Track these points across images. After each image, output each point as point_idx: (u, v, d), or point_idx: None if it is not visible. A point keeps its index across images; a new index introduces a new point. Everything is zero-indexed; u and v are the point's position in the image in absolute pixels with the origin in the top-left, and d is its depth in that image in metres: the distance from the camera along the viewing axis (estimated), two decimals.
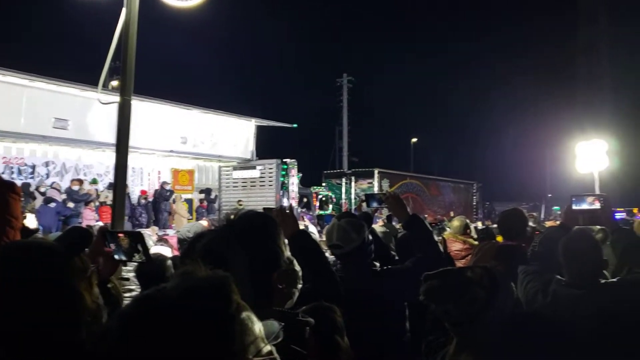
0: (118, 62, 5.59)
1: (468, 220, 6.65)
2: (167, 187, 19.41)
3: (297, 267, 1.74)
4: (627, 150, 30.00)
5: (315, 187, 26.26)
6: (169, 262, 3.58)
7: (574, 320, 2.78)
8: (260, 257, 1.63)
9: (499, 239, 5.61)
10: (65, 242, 1.58)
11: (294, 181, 20.63)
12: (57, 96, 16.29)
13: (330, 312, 1.93)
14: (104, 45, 5.53)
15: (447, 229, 7.02)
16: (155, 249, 4.94)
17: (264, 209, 3.45)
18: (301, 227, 3.10)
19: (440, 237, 5.99)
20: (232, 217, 2.10)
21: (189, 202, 20.91)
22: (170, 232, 15.97)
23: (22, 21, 59.20)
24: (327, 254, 3.19)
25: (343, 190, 27.53)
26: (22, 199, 6.48)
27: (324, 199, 25.96)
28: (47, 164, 17.42)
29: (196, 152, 21.10)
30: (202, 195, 21.25)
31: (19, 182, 9.33)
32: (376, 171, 27.68)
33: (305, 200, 23.54)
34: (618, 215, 19.70)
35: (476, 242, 5.98)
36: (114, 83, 21.75)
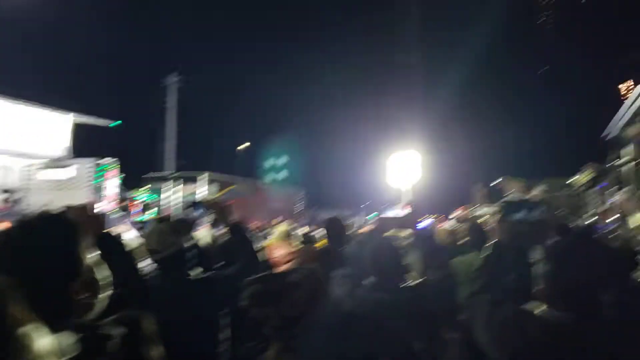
0: None
1: (293, 226, 6.86)
2: None
3: (102, 274, 1.57)
4: (438, 161, 33.96)
5: (136, 190, 24.86)
6: None
7: (385, 321, 2.99)
8: (55, 263, 1.43)
9: (322, 243, 5.83)
10: None
11: (113, 183, 19.27)
12: None
13: (139, 320, 1.78)
14: None
15: (272, 235, 7.16)
16: None
17: (65, 208, 3.12)
18: (123, 231, 2.88)
19: (265, 243, 6.07)
20: (28, 219, 1.83)
21: None
22: None
23: None
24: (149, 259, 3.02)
25: (166, 194, 26.49)
26: None
27: (146, 203, 24.70)
28: None
29: None
30: (5, 196, 18.77)
31: None
32: (203, 175, 27.16)
33: (125, 203, 22.16)
34: (428, 221, 21.94)
35: (299, 248, 6.20)
36: None
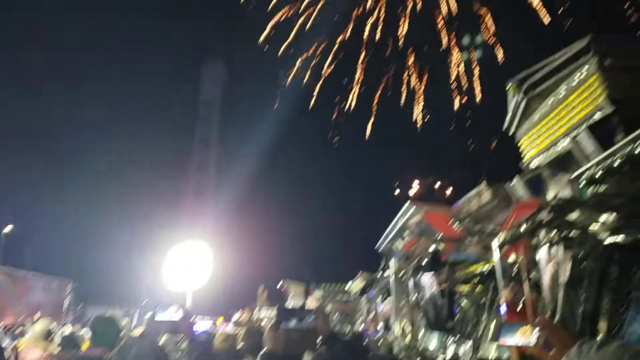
0: None
1: (53, 324, 5.94)
2: None
3: None
4: (222, 261, 33.54)
5: None
6: None
7: None
8: None
9: (86, 345, 5.13)
10: None
11: None
12: None
13: None
14: None
15: (28, 333, 6.15)
16: None
17: None
18: None
19: (16, 343, 5.11)
20: None
21: None
22: None
23: None
24: None
25: None
26: None
27: None
28: None
29: None
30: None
31: None
32: None
33: None
34: (206, 324, 20.95)
35: (58, 350, 5.39)
36: None
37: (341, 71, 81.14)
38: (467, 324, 19.40)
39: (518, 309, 12.20)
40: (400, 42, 74.91)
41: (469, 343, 17.52)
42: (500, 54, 67.81)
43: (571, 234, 12.38)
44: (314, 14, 75.25)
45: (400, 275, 18.59)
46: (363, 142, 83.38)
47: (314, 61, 79.50)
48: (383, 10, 74.17)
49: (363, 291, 27.86)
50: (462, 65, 71.50)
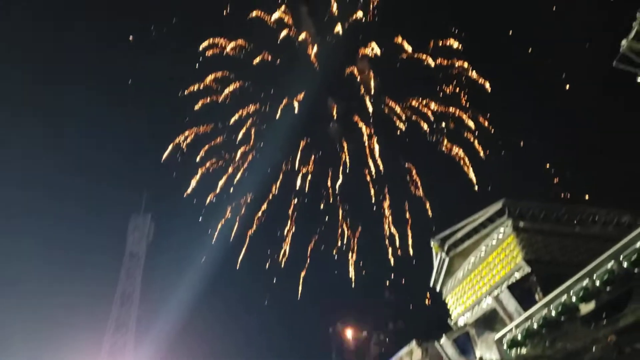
0: None
1: None
2: None
3: None
4: None
5: None
6: None
7: None
8: None
9: None
10: None
11: None
12: None
13: None
14: None
15: None
16: None
17: None
18: None
19: None
20: None
21: None
22: None
23: None
24: None
25: None
26: None
27: None
28: None
29: None
30: None
31: None
32: None
33: None
34: None
35: None
36: None
37: (272, 224, 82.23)
38: None
39: None
40: (331, 199, 78.04)
41: None
42: (428, 208, 72.00)
43: None
44: (244, 166, 78.26)
45: None
46: (295, 296, 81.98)
47: (241, 211, 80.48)
48: (312, 166, 78.08)
49: None
50: (390, 219, 74.81)
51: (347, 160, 76.43)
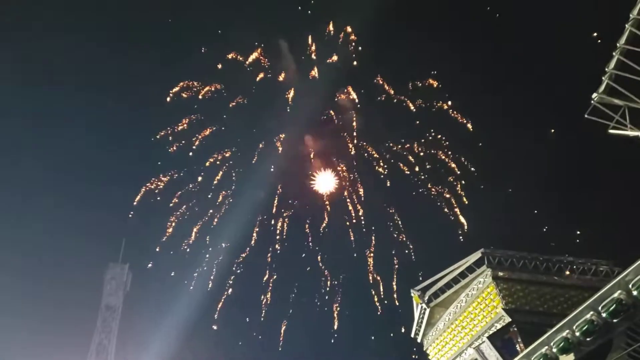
0: None
1: None
2: None
3: None
4: None
5: None
6: None
7: None
8: None
9: None
10: None
11: None
12: None
13: None
14: None
15: None
16: None
17: None
18: None
19: None
20: None
21: None
22: None
23: None
24: None
25: None
26: None
27: None
28: None
29: None
30: None
31: None
32: None
33: None
34: None
35: None
36: None
37: (251, 272, 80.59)
38: None
39: None
40: (311, 244, 76.99)
41: None
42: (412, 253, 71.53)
43: None
44: (220, 212, 76.99)
45: None
46: (276, 346, 79.73)
47: (219, 258, 78.80)
48: (291, 211, 77.10)
49: None
50: (372, 266, 73.90)
51: (327, 205, 75.74)
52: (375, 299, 72.85)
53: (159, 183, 79.43)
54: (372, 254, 75.01)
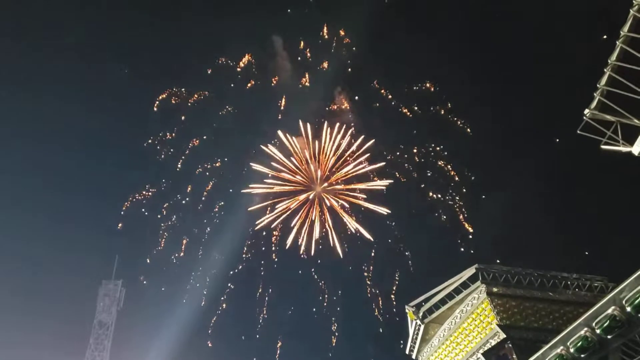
0: None
1: None
2: None
3: None
4: None
5: None
6: None
7: None
8: None
9: None
10: None
11: None
12: None
13: None
14: None
15: None
16: None
17: None
18: None
19: None
20: None
21: None
22: None
23: None
24: None
25: None
26: None
27: None
28: None
29: None
30: None
31: None
32: None
33: None
34: None
35: None
36: None
37: (245, 287, 79.45)
38: None
39: None
40: (304, 255, 75.44)
41: None
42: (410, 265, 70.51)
43: None
44: (211, 226, 75.15)
45: None
46: None
47: (210, 273, 77.48)
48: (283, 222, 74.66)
49: None
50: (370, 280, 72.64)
51: (327, 217, 73.17)
52: (377, 312, 71.49)
53: (147, 193, 78.66)
54: (371, 267, 73.81)
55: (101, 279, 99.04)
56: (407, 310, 37.22)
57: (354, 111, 74.76)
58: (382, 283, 73.55)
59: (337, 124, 71.10)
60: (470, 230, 70.29)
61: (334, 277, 78.05)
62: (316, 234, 71.42)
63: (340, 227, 70.87)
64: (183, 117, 77.19)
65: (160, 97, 76.56)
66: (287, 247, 70.86)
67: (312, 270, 76.42)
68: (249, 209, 70.27)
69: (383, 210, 68.89)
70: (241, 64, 77.16)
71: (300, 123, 67.75)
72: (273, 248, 76.00)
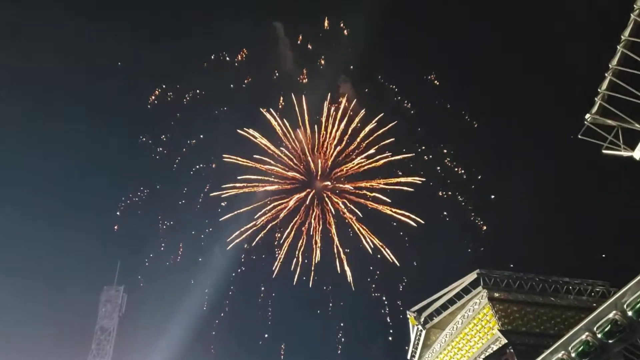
0: None
1: None
2: None
3: None
4: None
5: None
6: None
7: None
8: None
9: None
10: None
11: None
12: None
13: None
14: None
15: None
16: None
17: None
18: None
19: None
20: None
21: None
22: None
23: None
24: None
25: None
26: None
27: None
28: None
29: None
30: None
31: None
32: None
33: None
34: None
35: None
36: None
37: (247, 294, 78.88)
38: None
39: None
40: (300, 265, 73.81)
41: None
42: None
43: None
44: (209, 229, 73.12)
45: None
46: None
47: (211, 278, 76.05)
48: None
49: None
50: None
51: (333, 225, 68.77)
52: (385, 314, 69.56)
53: (142, 194, 77.81)
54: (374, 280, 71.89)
55: (103, 285, 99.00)
56: (408, 316, 37.14)
57: (361, 100, 69.81)
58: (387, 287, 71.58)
59: (344, 103, 66.57)
60: (484, 228, 68.71)
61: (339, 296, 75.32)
62: (316, 256, 67.56)
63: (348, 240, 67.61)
64: (177, 115, 75.59)
65: (154, 95, 75.21)
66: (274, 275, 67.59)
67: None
68: (220, 219, 67.94)
69: (413, 222, 63.06)
70: (239, 57, 74.87)
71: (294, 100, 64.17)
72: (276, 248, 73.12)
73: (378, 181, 65.89)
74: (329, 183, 67.65)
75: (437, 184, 70.17)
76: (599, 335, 18.12)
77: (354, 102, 67.94)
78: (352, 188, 66.42)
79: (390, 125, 66.31)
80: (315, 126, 66.68)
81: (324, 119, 66.69)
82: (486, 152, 72.77)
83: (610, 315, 17.90)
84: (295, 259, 67.24)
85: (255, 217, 66.40)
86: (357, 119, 66.49)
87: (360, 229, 65.77)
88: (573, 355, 18.95)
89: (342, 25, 74.23)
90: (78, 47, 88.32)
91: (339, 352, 75.26)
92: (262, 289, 76.90)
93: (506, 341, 28.48)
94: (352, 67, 74.70)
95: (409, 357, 38.72)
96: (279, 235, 68.48)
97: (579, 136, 21.59)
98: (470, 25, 75.59)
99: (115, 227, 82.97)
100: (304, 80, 73.99)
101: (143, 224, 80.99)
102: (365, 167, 65.96)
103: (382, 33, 75.40)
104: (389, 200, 64.68)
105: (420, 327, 36.12)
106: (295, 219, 67.41)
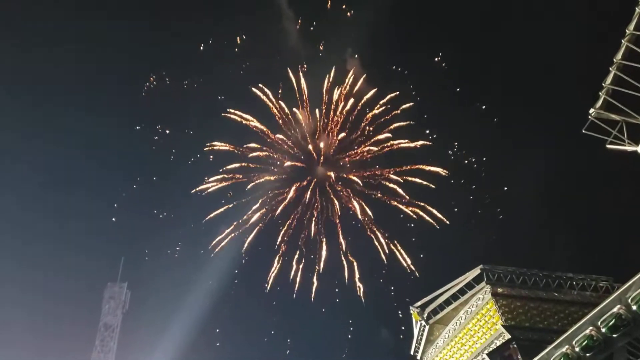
0: None
1: None
2: None
3: None
4: None
5: None
6: None
7: None
8: None
9: None
10: None
11: None
12: None
13: None
14: None
15: None
16: None
17: None
18: None
19: None
20: None
21: None
22: None
23: None
24: None
25: None
26: None
27: None
28: None
29: None
30: None
31: None
32: None
33: None
34: None
35: None
36: None
37: (252, 290, 78.76)
38: None
39: None
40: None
41: None
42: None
43: None
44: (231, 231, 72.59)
45: None
46: None
47: (215, 275, 75.92)
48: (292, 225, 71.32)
49: None
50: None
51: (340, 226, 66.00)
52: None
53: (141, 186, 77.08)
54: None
55: (106, 281, 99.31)
56: (411, 311, 37.16)
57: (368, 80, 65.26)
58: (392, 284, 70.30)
59: (351, 76, 61.56)
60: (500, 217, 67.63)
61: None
62: (320, 265, 64.05)
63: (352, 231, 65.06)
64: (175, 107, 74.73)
65: (149, 82, 73.43)
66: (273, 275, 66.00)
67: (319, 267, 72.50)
68: (205, 219, 66.45)
69: (438, 222, 58.23)
70: (239, 40, 71.44)
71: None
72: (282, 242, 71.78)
73: (398, 169, 60.87)
74: (331, 174, 63.43)
75: (451, 176, 65.21)
76: (603, 330, 18.11)
77: (361, 80, 63.33)
78: (359, 181, 62.51)
79: (405, 106, 61.22)
80: (317, 110, 63.17)
81: (326, 96, 62.42)
82: (492, 144, 71.51)
83: (615, 310, 17.88)
84: (297, 254, 66.07)
85: (253, 208, 64.15)
86: (369, 95, 61.29)
87: (374, 230, 62.17)
88: (577, 349, 18.94)
89: (344, 7, 71.17)
90: (74, 38, 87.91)
91: (346, 351, 75.15)
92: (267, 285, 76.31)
93: (509, 336, 28.45)
94: (355, 54, 72.03)
95: (412, 352, 38.75)
96: (283, 228, 66.63)
97: (583, 131, 21.52)
98: (479, 15, 74.53)
99: (113, 219, 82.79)
100: (305, 67, 69.56)
101: (142, 217, 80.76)
102: (374, 153, 61.68)
103: (388, 17, 73.62)
104: (407, 197, 60.24)
105: (423, 323, 36.13)
106: (296, 210, 64.57)
